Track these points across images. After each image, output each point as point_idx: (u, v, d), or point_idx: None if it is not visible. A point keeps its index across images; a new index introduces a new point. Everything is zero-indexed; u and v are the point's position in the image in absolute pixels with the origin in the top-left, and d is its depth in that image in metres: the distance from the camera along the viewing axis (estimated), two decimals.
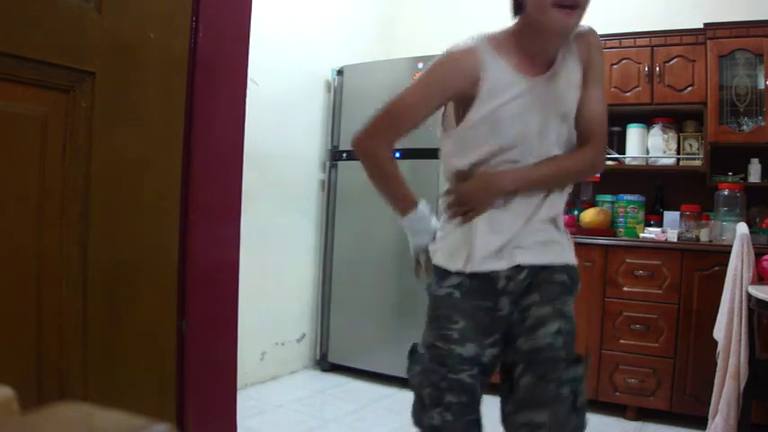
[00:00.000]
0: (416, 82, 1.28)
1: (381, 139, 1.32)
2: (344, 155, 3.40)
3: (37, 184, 0.84)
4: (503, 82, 1.23)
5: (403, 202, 1.35)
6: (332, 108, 3.49)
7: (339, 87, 3.47)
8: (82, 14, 0.88)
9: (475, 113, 1.25)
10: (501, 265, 1.28)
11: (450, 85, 1.27)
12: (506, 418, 1.27)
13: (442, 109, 1.36)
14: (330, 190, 3.46)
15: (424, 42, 3.53)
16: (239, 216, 1.19)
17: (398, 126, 1.31)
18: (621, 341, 2.78)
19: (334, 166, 3.45)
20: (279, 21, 3.12)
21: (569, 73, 1.28)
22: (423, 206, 1.36)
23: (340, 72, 3.47)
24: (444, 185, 1.41)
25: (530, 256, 1.28)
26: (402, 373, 1.51)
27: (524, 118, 1.24)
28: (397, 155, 3.11)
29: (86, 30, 0.88)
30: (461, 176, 1.32)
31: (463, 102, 1.28)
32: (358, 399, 2.94)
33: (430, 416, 1.28)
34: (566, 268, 1.32)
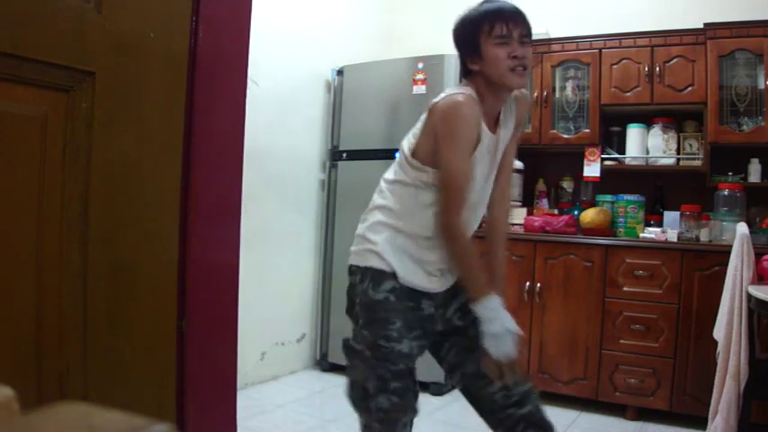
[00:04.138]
0: (454, 145, 1.40)
1: (461, 215, 1.43)
2: (344, 155, 3.40)
3: (37, 184, 0.84)
4: (484, 132, 1.45)
5: (480, 288, 1.44)
6: (332, 108, 3.49)
7: (339, 87, 3.47)
8: (82, 14, 0.88)
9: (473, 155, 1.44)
10: (433, 286, 1.51)
11: (472, 130, 1.42)
12: (479, 391, 1.50)
13: (414, 139, 1.51)
14: (330, 190, 3.46)
15: (424, 42, 3.53)
16: (239, 216, 1.19)
17: (466, 196, 1.44)
18: (621, 341, 2.78)
19: (334, 166, 3.45)
20: (279, 21, 3.12)
21: (507, 129, 1.53)
22: (495, 299, 1.44)
23: (340, 72, 3.47)
24: (389, 199, 1.53)
25: (451, 279, 1.54)
26: None
27: (480, 166, 1.46)
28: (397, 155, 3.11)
29: (86, 30, 0.88)
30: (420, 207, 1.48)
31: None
32: None
33: (377, 401, 1.46)
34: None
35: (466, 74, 1.50)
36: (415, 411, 1.53)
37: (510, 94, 1.51)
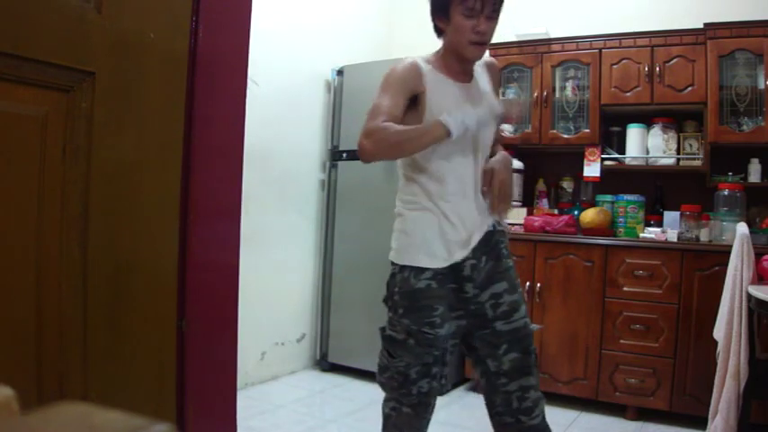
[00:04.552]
0: (381, 90, 1.54)
1: (375, 124, 1.49)
2: (344, 155, 3.40)
3: (37, 184, 0.84)
4: (440, 84, 1.55)
5: (431, 131, 1.46)
6: (332, 108, 3.49)
7: (339, 87, 3.47)
8: (82, 14, 0.88)
9: (426, 109, 1.53)
10: (465, 253, 1.54)
11: (405, 82, 1.54)
12: (497, 389, 1.54)
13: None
14: (330, 190, 3.46)
15: (424, 42, 3.52)
16: (239, 216, 1.19)
17: (383, 114, 1.49)
18: (621, 341, 2.78)
19: (334, 166, 3.45)
20: (279, 21, 3.12)
21: (484, 83, 1.64)
22: (448, 117, 1.46)
23: (340, 72, 3.47)
24: (402, 182, 1.61)
25: (478, 235, 1.56)
26: None
27: (462, 108, 1.49)
28: None
29: (86, 30, 0.88)
30: (419, 167, 1.56)
31: (413, 103, 1.55)
32: (358, 399, 2.94)
33: (419, 385, 1.53)
34: (503, 233, 1.64)
35: (437, 32, 1.61)
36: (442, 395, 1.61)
37: (475, 62, 1.61)
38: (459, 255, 1.53)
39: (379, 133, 1.45)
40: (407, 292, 1.52)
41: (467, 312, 1.56)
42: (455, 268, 1.53)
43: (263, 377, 3.13)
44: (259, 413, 2.66)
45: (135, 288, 0.97)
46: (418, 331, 1.50)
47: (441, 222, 1.53)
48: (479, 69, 1.65)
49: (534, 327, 1.62)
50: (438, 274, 1.52)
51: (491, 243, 1.57)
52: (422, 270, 1.52)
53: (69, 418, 0.35)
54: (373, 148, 1.46)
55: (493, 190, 1.55)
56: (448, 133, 1.43)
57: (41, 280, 0.85)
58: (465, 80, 1.60)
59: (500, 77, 1.75)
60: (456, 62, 1.58)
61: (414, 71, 1.55)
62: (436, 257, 1.52)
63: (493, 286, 1.55)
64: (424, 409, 1.56)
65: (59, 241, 0.87)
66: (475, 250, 1.54)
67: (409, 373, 1.52)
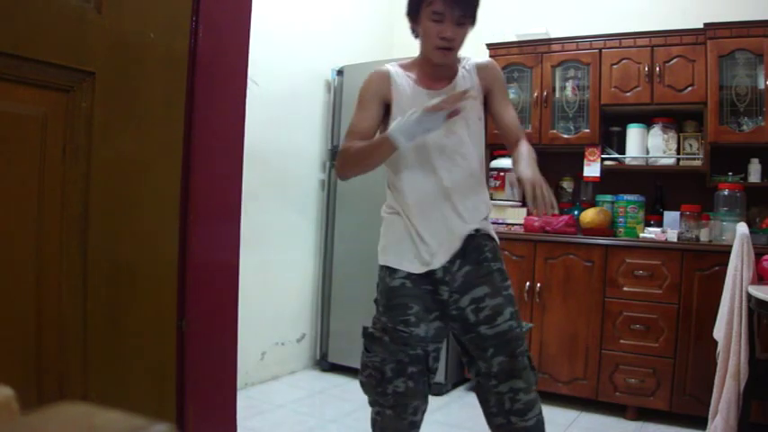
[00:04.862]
0: (356, 104, 1.61)
1: (343, 145, 1.59)
2: None
3: (37, 184, 0.84)
4: (407, 90, 1.57)
5: (380, 144, 1.49)
6: (332, 108, 3.49)
7: (339, 87, 3.47)
8: (82, 14, 0.88)
9: (390, 118, 1.56)
10: (434, 261, 1.55)
11: (375, 92, 1.58)
12: (489, 389, 1.55)
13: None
14: (330, 190, 3.46)
15: None
16: (239, 216, 1.19)
17: (354, 133, 1.57)
18: (621, 341, 2.78)
19: (334, 166, 3.45)
20: (279, 21, 3.12)
21: (466, 88, 1.56)
22: (393, 127, 1.47)
23: (340, 72, 3.47)
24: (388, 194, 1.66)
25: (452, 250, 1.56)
26: None
27: (405, 116, 1.49)
28: None
29: (86, 30, 0.88)
30: (389, 177, 1.62)
31: (387, 110, 1.59)
32: (358, 399, 2.93)
33: (395, 384, 1.54)
34: (488, 237, 1.61)
35: (411, 30, 1.64)
36: (426, 400, 1.59)
37: (447, 64, 1.60)
38: (426, 263, 1.54)
39: (344, 153, 1.55)
40: (384, 290, 1.58)
41: (445, 316, 1.57)
42: (428, 271, 1.55)
43: (263, 377, 3.13)
44: (259, 413, 2.66)
45: (135, 288, 0.97)
46: (393, 329, 1.53)
47: (409, 230, 1.56)
48: (466, 74, 1.63)
49: (525, 325, 1.63)
50: (411, 274, 1.55)
51: (470, 248, 1.57)
52: (395, 269, 1.57)
53: (69, 418, 0.35)
54: (340, 168, 1.58)
55: (534, 201, 1.45)
56: (394, 144, 1.44)
57: (41, 280, 0.85)
58: (439, 86, 1.59)
59: (499, 77, 1.69)
60: (429, 66, 1.59)
61: (381, 80, 1.59)
62: (405, 261, 1.56)
63: (473, 291, 1.55)
64: (402, 410, 1.56)
65: (59, 241, 0.87)
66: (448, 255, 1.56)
67: (384, 369, 1.53)
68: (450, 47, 1.51)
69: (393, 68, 1.62)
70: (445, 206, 1.55)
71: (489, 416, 1.58)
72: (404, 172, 1.56)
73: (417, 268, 1.55)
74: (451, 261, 1.55)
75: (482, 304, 1.54)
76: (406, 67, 1.64)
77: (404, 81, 1.59)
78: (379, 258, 1.62)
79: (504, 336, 1.54)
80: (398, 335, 1.52)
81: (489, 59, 1.75)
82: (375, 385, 1.56)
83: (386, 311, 1.56)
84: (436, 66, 1.58)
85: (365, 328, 1.62)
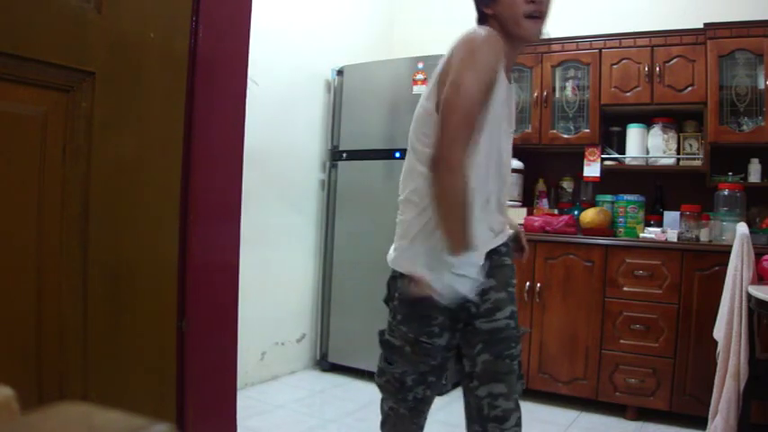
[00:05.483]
0: (473, 66, 1.23)
1: (465, 147, 1.23)
2: (344, 155, 3.40)
3: (37, 184, 0.84)
4: (500, 80, 1.31)
5: (464, 237, 1.28)
6: (332, 108, 3.49)
7: (339, 87, 3.47)
8: (82, 14, 0.88)
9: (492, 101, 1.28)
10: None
11: (498, 62, 1.27)
12: (469, 391, 1.44)
13: (430, 88, 1.36)
14: (330, 190, 3.46)
15: (424, 42, 3.53)
16: (239, 216, 1.19)
17: (474, 124, 1.25)
18: (621, 341, 2.78)
19: (334, 166, 3.45)
20: (279, 20, 3.12)
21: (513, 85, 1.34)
22: (474, 255, 1.33)
23: (340, 72, 3.47)
24: (411, 174, 1.40)
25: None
26: None
27: (498, 114, 1.35)
28: (397, 155, 3.11)
29: (86, 30, 0.88)
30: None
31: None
32: (358, 399, 2.94)
33: (415, 392, 1.48)
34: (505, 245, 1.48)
35: (480, 20, 1.38)
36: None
37: (522, 45, 1.38)
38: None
39: (460, 175, 1.23)
40: (405, 298, 1.41)
41: (467, 321, 1.44)
42: None
43: (263, 377, 3.13)
44: (259, 413, 2.66)
45: (135, 288, 0.97)
46: (415, 340, 1.42)
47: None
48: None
49: (522, 330, 1.55)
50: None
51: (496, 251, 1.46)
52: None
53: (69, 418, 0.35)
54: (449, 175, 1.22)
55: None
56: (455, 253, 1.26)
57: (41, 280, 0.85)
58: (510, 78, 1.39)
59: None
60: (509, 50, 1.35)
61: (501, 51, 1.28)
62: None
63: (482, 282, 1.41)
64: (419, 413, 1.53)
65: (59, 241, 0.87)
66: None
67: (405, 380, 1.47)
68: (541, 11, 1.29)
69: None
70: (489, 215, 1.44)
71: (468, 423, 1.46)
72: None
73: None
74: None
75: (485, 296, 1.41)
76: None
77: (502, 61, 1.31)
78: (404, 265, 1.41)
79: (498, 333, 1.41)
80: (421, 347, 1.42)
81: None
82: (394, 392, 1.49)
83: (408, 321, 1.43)
84: (514, 49, 1.35)
85: (381, 334, 1.51)
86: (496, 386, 1.40)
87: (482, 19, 1.38)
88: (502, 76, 1.31)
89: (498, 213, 1.45)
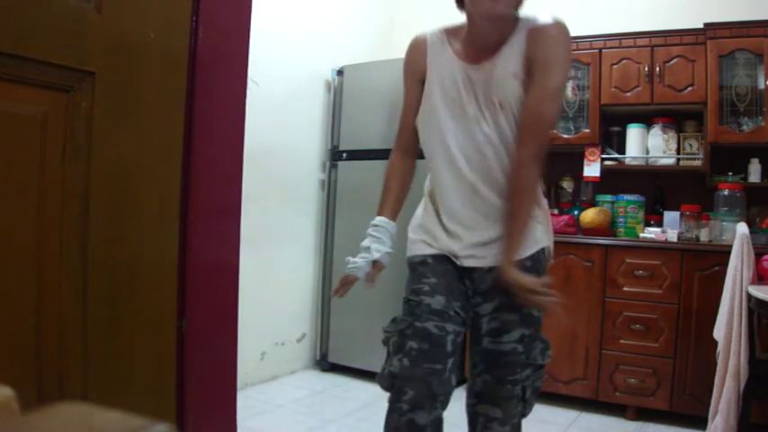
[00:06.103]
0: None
1: (396, 146, 1.54)
2: (344, 155, 3.40)
3: (37, 184, 0.84)
4: (443, 64, 1.37)
5: (379, 207, 1.50)
6: (332, 108, 3.49)
7: (339, 87, 3.47)
8: (82, 14, 0.88)
9: (425, 93, 1.40)
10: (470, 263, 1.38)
11: (411, 72, 1.45)
12: (470, 406, 1.41)
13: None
14: (330, 190, 3.46)
15: None
16: (239, 216, 1.19)
17: (402, 128, 1.49)
18: (621, 341, 2.78)
19: (334, 166, 3.45)
20: (279, 21, 3.12)
21: (508, 64, 1.30)
22: (380, 219, 1.48)
23: (340, 72, 3.47)
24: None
25: (491, 259, 1.35)
26: None
27: (444, 97, 1.37)
28: None
29: (86, 30, 0.88)
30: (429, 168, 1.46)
31: (423, 84, 1.42)
32: (358, 399, 2.94)
33: (390, 363, 1.33)
34: (531, 258, 1.36)
35: (459, 5, 1.36)
36: (435, 399, 1.27)
37: (496, 24, 1.29)
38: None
39: (388, 166, 1.55)
40: (408, 262, 1.45)
41: (467, 312, 1.37)
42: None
43: (263, 377, 3.13)
44: (259, 413, 2.66)
45: (135, 288, 0.97)
46: (406, 299, 1.37)
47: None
48: (515, 43, 1.30)
49: (541, 357, 1.37)
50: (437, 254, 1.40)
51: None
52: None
53: (69, 418, 0.35)
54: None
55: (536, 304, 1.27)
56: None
57: (41, 280, 0.85)
58: (479, 60, 1.32)
59: (546, 43, 1.28)
60: (471, 30, 1.33)
61: (415, 52, 1.44)
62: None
63: (496, 300, 1.35)
64: (398, 399, 1.27)
65: (59, 241, 0.87)
66: (478, 248, 1.36)
67: (389, 343, 1.37)
68: None
69: (433, 34, 1.40)
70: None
71: (469, 426, 1.42)
72: (435, 161, 1.48)
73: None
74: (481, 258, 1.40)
75: (496, 315, 1.35)
76: (453, 32, 1.39)
77: (441, 50, 1.37)
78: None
79: (502, 357, 1.33)
80: (408, 304, 1.35)
81: (555, 19, 1.31)
82: (395, 351, 1.35)
83: (408, 283, 1.41)
84: (480, 34, 1.30)
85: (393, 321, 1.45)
86: (492, 410, 1.35)
87: (459, 3, 1.35)
88: (445, 59, 1.37)
89: (496, 196, 1.35)
